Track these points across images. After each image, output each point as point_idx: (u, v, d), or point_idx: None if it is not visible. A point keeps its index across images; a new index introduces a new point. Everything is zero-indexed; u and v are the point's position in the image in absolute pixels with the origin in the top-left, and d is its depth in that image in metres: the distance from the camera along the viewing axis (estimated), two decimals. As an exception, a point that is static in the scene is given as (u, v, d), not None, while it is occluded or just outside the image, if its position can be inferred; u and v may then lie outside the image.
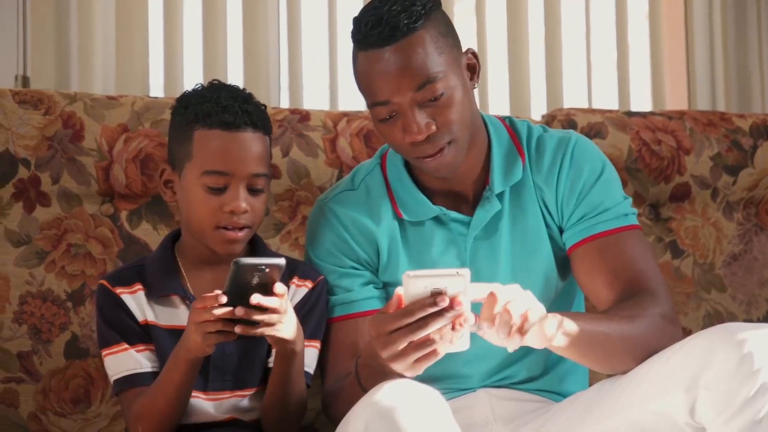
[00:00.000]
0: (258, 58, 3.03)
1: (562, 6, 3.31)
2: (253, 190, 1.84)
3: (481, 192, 1.94)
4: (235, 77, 3.03)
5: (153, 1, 3.01)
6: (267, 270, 1.61)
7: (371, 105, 1.84)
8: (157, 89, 3.01)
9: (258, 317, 1.64)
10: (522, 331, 1.55)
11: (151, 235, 2.22)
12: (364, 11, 1.83)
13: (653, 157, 2.50)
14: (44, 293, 2.17)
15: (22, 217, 2.18)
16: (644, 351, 1.72)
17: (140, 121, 2.24)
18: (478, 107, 3.18)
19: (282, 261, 1.63)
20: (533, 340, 1.61)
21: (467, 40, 3.27)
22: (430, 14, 1.81)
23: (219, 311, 1.62)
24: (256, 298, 1.61)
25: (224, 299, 1.62)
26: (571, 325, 1.66)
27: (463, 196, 1.95)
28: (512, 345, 1.57)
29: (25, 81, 2.88)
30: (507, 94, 3.27)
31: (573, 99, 3.31)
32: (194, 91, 1.90)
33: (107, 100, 2.26)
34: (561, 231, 1.95)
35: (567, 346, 1.67)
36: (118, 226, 2.23)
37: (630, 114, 2.56)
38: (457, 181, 1.93)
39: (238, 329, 1.64)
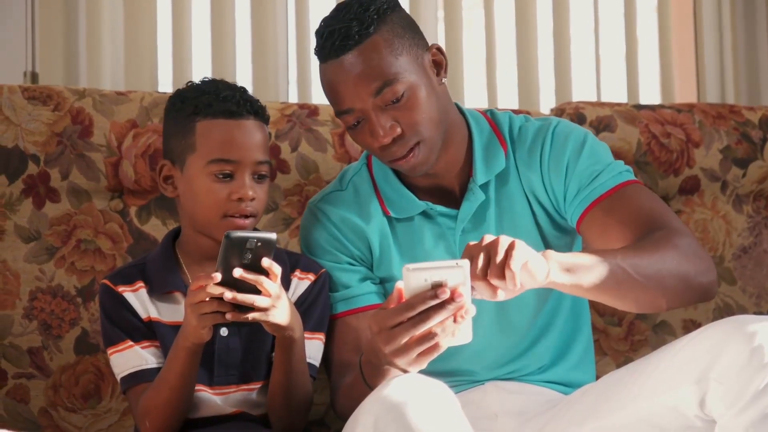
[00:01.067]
0: (266, 52, 3.04)
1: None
2: (258, 177, 1.86)
3: (466, 185, 1.96)
4: (243, 72, 3.04)
5: (161, -4, 3.02)
6: (258, 244, 1.62)
7: (337, 114, 1.88)
8: (165, 84, 3.01)
9: (245, 298, 1.64)
10: (509, 266, 1.53)
11: (161, 230, 2.22)
12: (321, 23, 1.88)
13: (662, 150, 2.50)
14: (54, 289, 2.17)
15: (32, 213, 2.19)
16: (673, 279, 1.71)
17: (149, 116, 2.24)
18: (487, 102, 3.20)
19: (273, 235, 1.64)
20: (527, 277, 1.58)
21: (475, 34, 3.27)
22: (384, 17, 1.84)
23: (212, 290, 1.63)
24: (237, 272, 1.62)
25: (218, 278, 1.63)
26: (567, 258, 1.64)
27: (449, 191, 1.97)
28: (510, 288, 1.55)
29: (34, 77, 2.89)
30: (516, 88, 3.26)
31: (582, 92, 3.31)
32: (188, 86, 1.92)
33: (116, 95, 2.26)
34: (559, 213, 1.95)
35: (573, 282, 1.63)
36: (128, 222, 2.23)
37: (639, 107, 2.56)
38: (441, 176, 1.95)
39: (229, 316, 1.65)
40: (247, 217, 1.85)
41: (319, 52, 1.86)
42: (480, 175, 1.94)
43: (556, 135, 1.96)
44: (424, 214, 1.96)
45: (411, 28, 1.88)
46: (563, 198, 1.93)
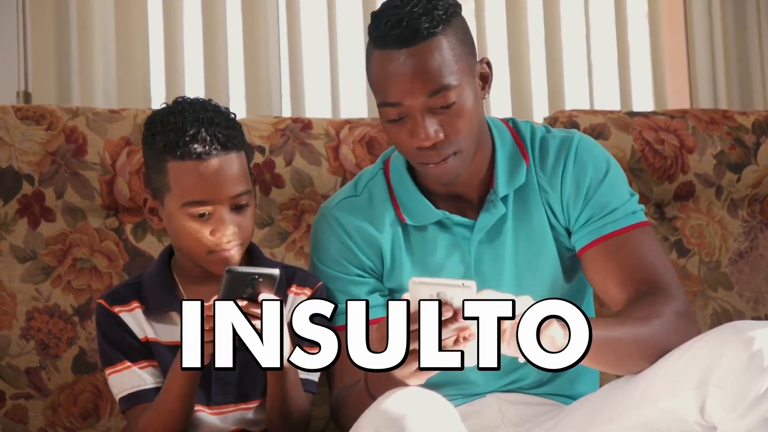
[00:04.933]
0: (259, 67, 3.04)
1: (561, 7, 3.32)
2: (237, 208, 1.82)
3: (485, 196, 1.92)
4: (236, 87, 3.04)
5: (153, 13, 3.02)
6: (260, 279, 1.61)
7: (381, 104, 1.81)
8: (158, 101, 3.00)
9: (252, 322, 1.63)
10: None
11: (157, 247, 2.22)
12: (385, 9, 1.80)
13: (656, 157, 2.50)
14: (51, 308, 2.17)
15: (27, 232, 2.18)
16: (658, 351, 1.70)
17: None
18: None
19: (276, 271, 1.62)
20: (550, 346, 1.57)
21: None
22: (450, 20, 1.79)
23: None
24: (241, 303, 1.61)
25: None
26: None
27: (467, 200, 1.94)
28: (511, 353, 1.55)
29: (27, 97, 2.89)
30: (509, 97, 3.27)
31: (575, 100, 3.31)
32: (159, 113, 1.86)
33: (109, 113, 2.26)
34: (568, 232, 1.94)
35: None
36: (123, 240, 2.23)
37: (632, 114, 2.56)
38: (460, 185, 1.91)
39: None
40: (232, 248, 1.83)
41: (379, 38, 1.78)
42: (501, 188, 1.91)
43: (579, 155, 1.93)
44: (440, 224, 1.93)
45: (469, 36, 1.85)
46: (575, 220, 1.91)
